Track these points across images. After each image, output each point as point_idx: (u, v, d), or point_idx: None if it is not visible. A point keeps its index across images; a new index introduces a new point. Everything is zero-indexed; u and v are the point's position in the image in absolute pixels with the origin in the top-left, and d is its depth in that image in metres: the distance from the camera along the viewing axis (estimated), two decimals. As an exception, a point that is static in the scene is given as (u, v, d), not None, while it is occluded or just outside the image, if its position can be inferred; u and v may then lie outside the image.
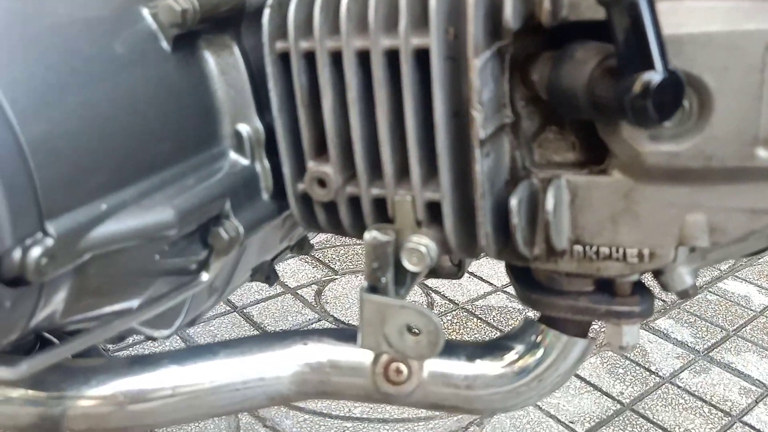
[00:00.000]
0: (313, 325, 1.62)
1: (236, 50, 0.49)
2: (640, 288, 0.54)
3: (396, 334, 0.49)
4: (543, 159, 0.53)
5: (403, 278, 0.51)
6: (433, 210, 0.49)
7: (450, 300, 1.75)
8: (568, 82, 0.45)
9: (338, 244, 1.99)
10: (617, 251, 0.51)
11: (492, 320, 1.68)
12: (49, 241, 0.35)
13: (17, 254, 0.34)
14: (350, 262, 1.90)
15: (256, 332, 1.59)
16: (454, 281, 1.82)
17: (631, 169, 0.48)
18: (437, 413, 1.32)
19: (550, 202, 0.48)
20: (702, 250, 0.53)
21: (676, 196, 0.48)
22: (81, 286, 0.40)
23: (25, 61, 0.37)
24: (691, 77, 0.44)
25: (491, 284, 1.83)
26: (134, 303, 0.46)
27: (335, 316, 1.66)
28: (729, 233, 0.48)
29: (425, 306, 1.55)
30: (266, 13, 0.48)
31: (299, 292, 1.75)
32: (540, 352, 0.58)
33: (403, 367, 0.58)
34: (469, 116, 0.47)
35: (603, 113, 0.44)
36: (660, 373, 1.53)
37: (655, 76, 0.40)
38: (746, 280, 1.93)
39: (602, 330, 1.58)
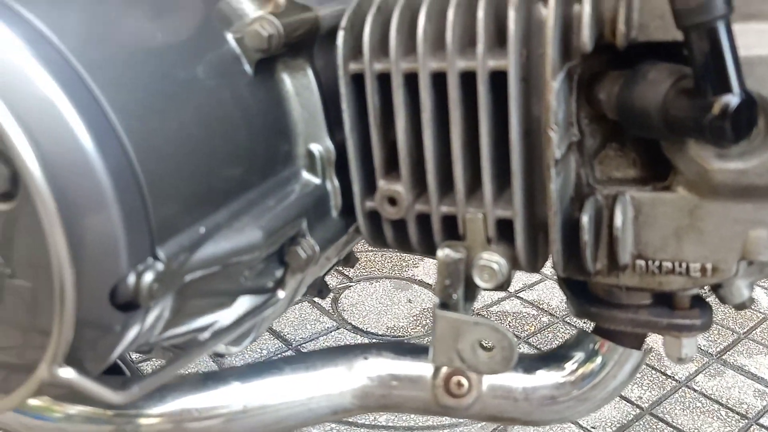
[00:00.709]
0: (332, 333, 1.63)
1: (309, 71, 0.50)
2: (698, 300, 0.56)
3: (469, 349, 0.50)
4: (604, 175, 0.54)
5: (472, 294, 0.52)
6: (503, 226, 0.50)
7: (465, 306, 1.76)
8: (641, 102, 0.46)
9: (351, 251, 1.99)
10: (680, 266, 0.52)
11: (508, 325, 1.69)
12: (160, 266, 0.36)
13: (131, 280, 0.35)
14: (363, 269, 1.91)
15: (276, 341, 1.60)
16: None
17: (696, 186, 0.49)
18: (461, 421, 1.33)
19: (618, 219, 0.50)
20: (761, 264, 0.54)
21: (740, 212, 0.49)
22: (178, 306, 0.40)
23: (132, 87, 0.38)
24: (761, 98, 0.45)
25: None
26: (218, 322, 0.47)
27: (353, 323, 1.67)
28: (791, 247, 0.50)
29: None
30: (340, 35, 0.49)
31: (316, 300, 1.75)
32: (598, 360, 0.59)
33: (464, 380, 0.59)
34: (538, 135, 0.48)
35: (677, 133, 0.45)
36: (676, 377, 1.54)
37: (733, 99, 0.41)
38: (754, 284, 1.95)
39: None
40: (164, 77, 0.40)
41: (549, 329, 1.71)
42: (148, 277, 0.35)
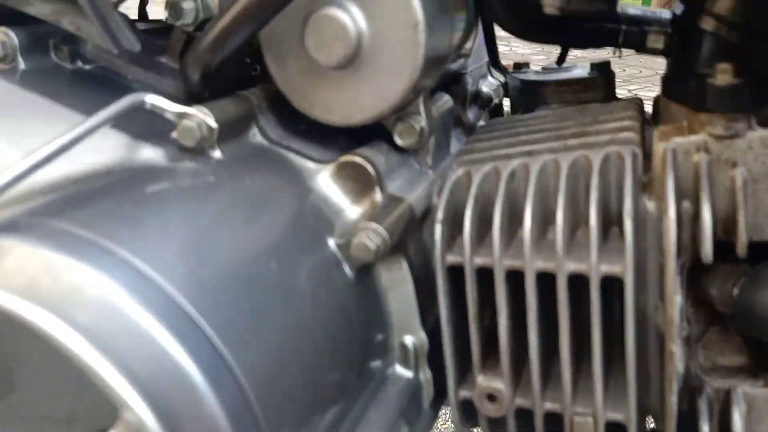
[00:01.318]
0: None
1: (404, 264, 0.48)
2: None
3: None
4: (709, 361, 0.51)
5: (578, 497, 0.48)
6: (611, 427, 0.47)
7: None
8: (763, 311, 0.44)
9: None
10: (796, 463, 0.49)
11: None
12: None
13: None
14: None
15: None
16: None
17: (814, 385, 0.47)
18: None
19: (738, 425, 0.47)
20: None
21: None
22: None
23: (240, 316, 0.35)
24: None
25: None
26: None
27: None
28: None
29: None
30: (438, 229, 0.47)
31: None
32: None
33: None
34: (643, 325, 0.46)
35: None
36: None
37: None
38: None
39: None
40: (270, 298, 0.38)
41: None
42: None
